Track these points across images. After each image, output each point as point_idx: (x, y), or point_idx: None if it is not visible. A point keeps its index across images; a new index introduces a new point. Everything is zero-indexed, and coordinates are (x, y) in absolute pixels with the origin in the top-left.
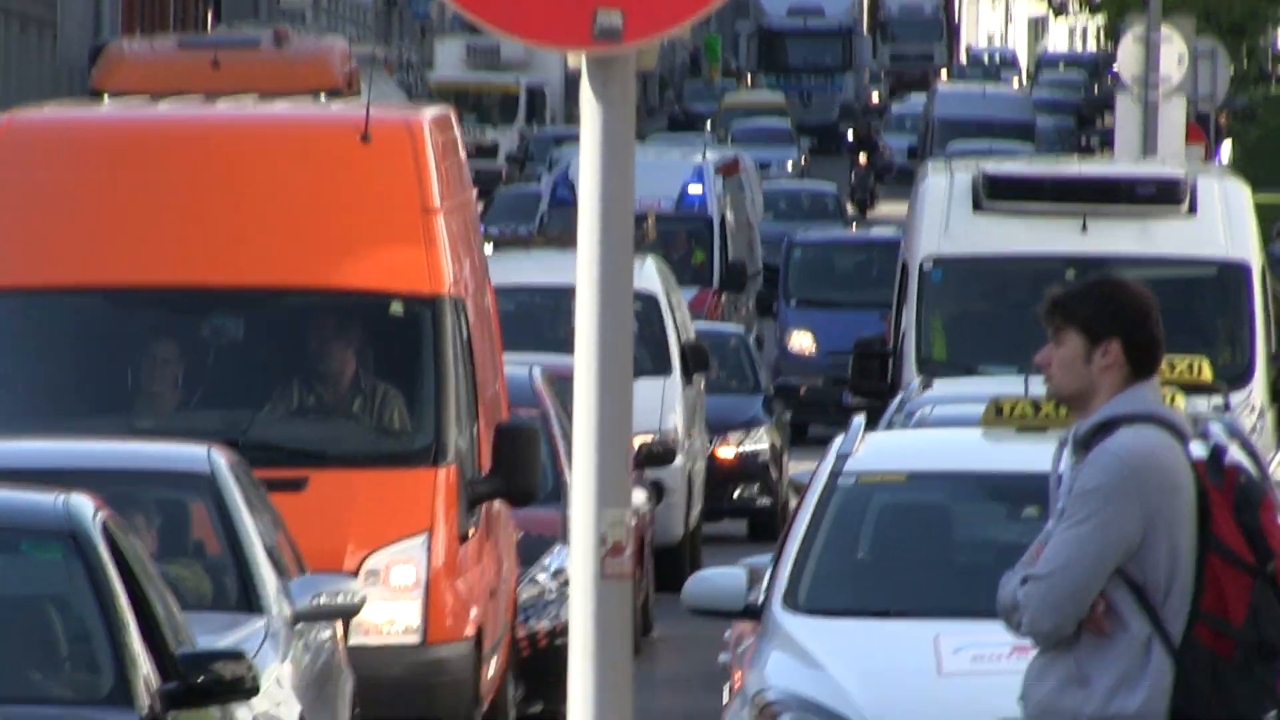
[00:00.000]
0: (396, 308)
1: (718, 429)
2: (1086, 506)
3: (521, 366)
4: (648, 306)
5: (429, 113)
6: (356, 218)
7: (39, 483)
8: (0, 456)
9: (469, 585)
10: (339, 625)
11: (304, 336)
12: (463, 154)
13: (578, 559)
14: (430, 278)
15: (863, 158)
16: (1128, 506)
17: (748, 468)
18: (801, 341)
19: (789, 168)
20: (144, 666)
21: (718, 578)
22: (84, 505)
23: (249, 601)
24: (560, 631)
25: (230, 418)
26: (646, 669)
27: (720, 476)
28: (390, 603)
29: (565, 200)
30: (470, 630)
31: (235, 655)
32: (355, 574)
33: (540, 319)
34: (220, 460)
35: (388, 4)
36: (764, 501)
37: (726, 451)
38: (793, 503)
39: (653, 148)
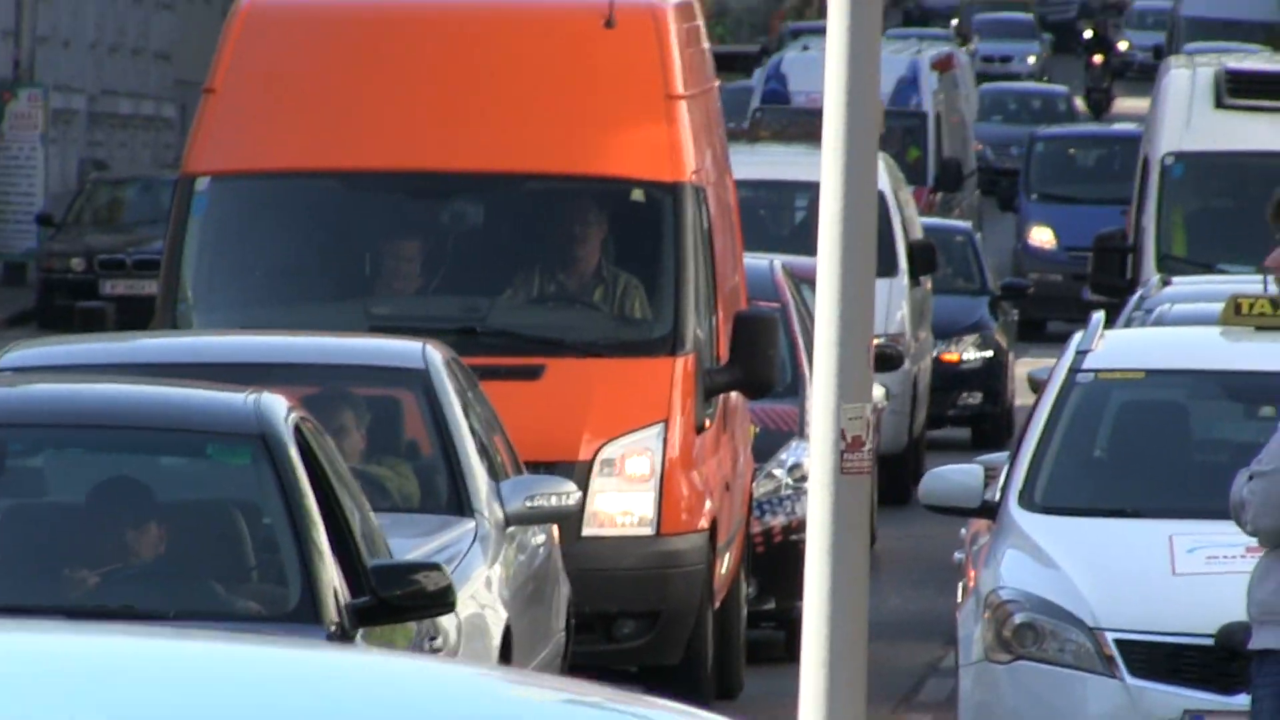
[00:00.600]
0: (637, 194)
1: (943, 332)
2: None
3: (762, 259)
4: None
5: None
6: (599, 103)
7: (248, 377)
8: (210, 350)
9: (704, 477)
10: (554, 529)
11: (544, 223)
12: (705, 43)
13: (817, 454)
14: (672, 165)
15: (1098, 58)
16: None
17: (973, 374)
18: (1042, 236)
19: (1030, 61)
20: (333, 580)
21: (954, 474)
22: (276, 406)
23: (459, 503)
24: (795, 528)
25: (468, 304)
26: (873, 574)
27: (945, 382)
28: (625, 493)
29: (778, 95)
30: (704, 523)
31: (431, 567)
32: (590, 463)
33: (762, 215)
34: (435, 356)
35: None
36: (988, 409)
37: (951, 356)
38: (1028, 400)
39: None
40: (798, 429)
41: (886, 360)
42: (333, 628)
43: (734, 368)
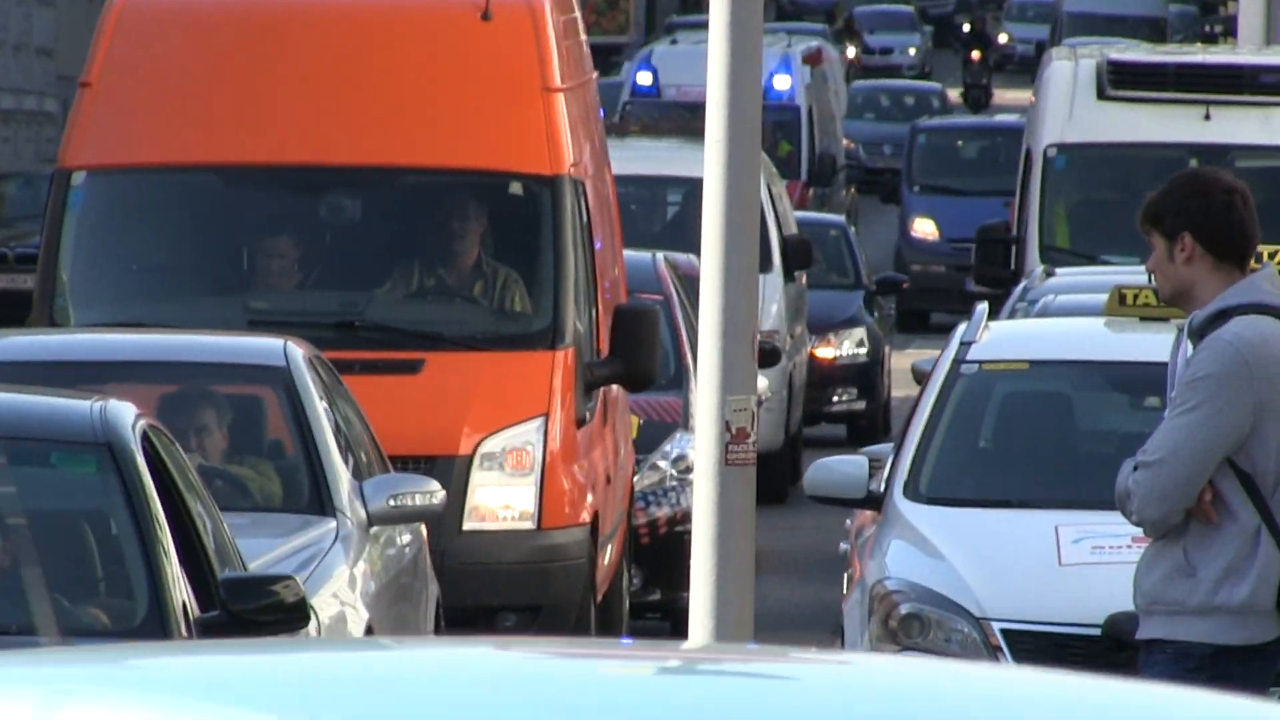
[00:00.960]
0: (516, 187)
1: (817, 328)
2: (1197, 394)
3: (644, 252)
4: None
5: None
6: (476, 96)
7: (108, 375)
8: (69, 348)
9: (585, 471)
10: (423, 528)
11: (422, 216)
12: (583, 35)
13: (702, 445)
14: (550, 158)
15: (976, 54)
16: (1238, 395)
17: (847, 371)
18: (925, 228)
19: (911, 53)
20: (181, 593)
21: (840, 465)
22: (123, 413)
23: (321, 503)
24: (680, 519)
25: (347, 299)
26: (758, 566)
27: (820, 378)
28: (505, 487)
29: (647, 90)
30: (586, 516)
31: (284, 579)
32: (471, 458)
33: (634, 210)
34: (297, 353)
35: None
36: (865, 405)
37: (826, 353)
38: (908, 393)
39: None
40: (682, 421)
41: (764, 356)
42: None
43: (614, 361)
